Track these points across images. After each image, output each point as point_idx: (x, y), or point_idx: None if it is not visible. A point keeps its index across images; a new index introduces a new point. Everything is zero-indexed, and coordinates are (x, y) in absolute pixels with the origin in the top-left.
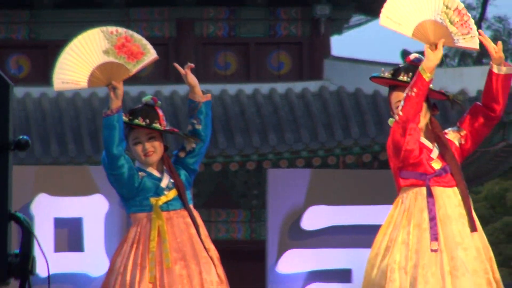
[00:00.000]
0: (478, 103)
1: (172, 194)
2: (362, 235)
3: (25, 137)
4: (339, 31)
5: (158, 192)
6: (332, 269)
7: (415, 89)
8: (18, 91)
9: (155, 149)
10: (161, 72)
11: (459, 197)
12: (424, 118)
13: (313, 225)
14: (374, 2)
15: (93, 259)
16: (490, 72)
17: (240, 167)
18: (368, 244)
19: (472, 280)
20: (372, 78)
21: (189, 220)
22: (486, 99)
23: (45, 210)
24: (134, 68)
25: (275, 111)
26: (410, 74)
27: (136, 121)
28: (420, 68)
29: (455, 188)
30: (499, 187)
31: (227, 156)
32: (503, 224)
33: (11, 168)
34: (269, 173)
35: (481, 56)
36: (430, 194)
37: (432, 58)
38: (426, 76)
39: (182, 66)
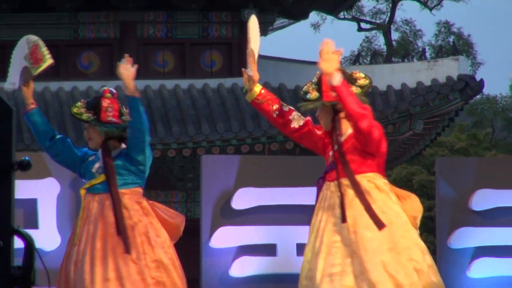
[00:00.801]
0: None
1: (100, 178)
2: (286, 214)
3: (27, 158)
4: (264, 33)
5: (91, 175)
6: (259, 244)
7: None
8: None
9: (90, 136)
10: (107, 69)
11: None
12: (323, 122)
13: (242, 205)
14: (295, 8)
15: (46, 236)
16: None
17: (177, 153)
18: (291, 221)
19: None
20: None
21: (109, 202)
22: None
23: None
24: (35, 72)
25: (208, 104)
26: (316, 87)
27: (74, 110)
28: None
29: (335, 182)
30: (406, 172)
31: (165, 144)
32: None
33: (15, 187)
34: (203, 159)
35: (390, 56)
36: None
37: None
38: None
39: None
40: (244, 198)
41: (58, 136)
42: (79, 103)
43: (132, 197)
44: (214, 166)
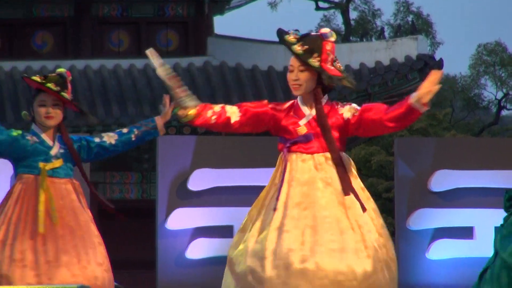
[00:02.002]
0: (386, 107)
1: (58, 163)
2: (243, 195)
3: None
4: (221, 12)
5: (47, 158)
6: (215, 225)
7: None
8: None
9: (56, 115)
10: (61, 48)
11: (319, 162)
12: (304, 87)
13: (199, 186)
14: None
15: None
16: (410, 107)
17: None
18: (248, 203)
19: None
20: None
21: (70, 187)
22: (390, 118)
23: None
24: None
25: (163, 84)
26: (306, 46)
27: (49, 84)
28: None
29: (315, 155)
30: (365, 152)
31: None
32: (368, 185)
33: None
34: (158, 140)
35: (348, 35)
36: (285, 158)
37: None
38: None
39: (81, 41)
40: (201, 179)
41: None
42: (37, 77)
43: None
44: (170, 146)
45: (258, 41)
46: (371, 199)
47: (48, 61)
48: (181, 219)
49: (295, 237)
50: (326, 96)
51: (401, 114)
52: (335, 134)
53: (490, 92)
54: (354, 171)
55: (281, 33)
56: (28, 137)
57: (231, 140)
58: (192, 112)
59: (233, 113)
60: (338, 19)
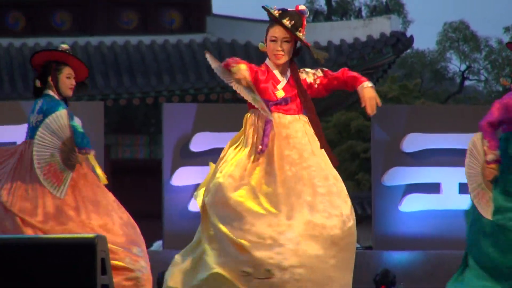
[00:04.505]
0: (345, 73)
1: None
2: None
3: None
4: None
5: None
6: None
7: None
8: None
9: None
10: (78, 26)
11: (294, 121)
12: (286, 56)
13: (200, 147)
14: None
15: None
16: (353, 88)
17: (141, 102)
18: None
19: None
20: (264, 8)
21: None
22: (341, 86)
23: None
24: None
25: (168, 58)
26: (293, 22)
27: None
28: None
29: (295, 116)
30: (345, 117)
31: (130, 94)
32: (348, 146)
33: None
34: (164, 107)
35: (330, 15)
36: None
37: None
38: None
39: (96, 20)
40: (201, 142)
41: None
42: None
43: None
44: (174, 113)
45: (251, 20)
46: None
47: (66, 38)
48: (184, 176)
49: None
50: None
51: (346, 85)
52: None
53: (455, 65)
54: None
55: (267, 10)
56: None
57: (228, 107)
58: (243, 66)
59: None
60: (321, 1)
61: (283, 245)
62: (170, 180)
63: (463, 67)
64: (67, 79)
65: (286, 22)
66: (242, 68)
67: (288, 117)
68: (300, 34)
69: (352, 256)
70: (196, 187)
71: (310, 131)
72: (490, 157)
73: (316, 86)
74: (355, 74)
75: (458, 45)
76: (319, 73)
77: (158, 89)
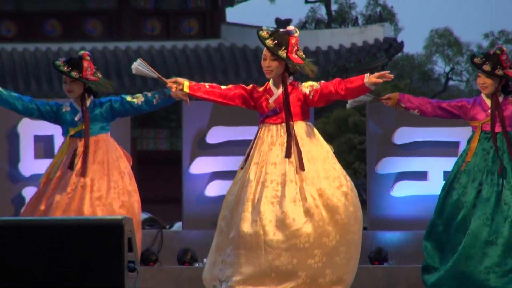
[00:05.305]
0: (340, 83)
1: (82, 126)
2: (246, 147)
3: None
4: (231, 4)
5: (74, 123)
6: (228, 170)
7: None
8: (8, 47)
9: (72, 89)
10: (107, 33)
11: (280, 132)
12: (275, 72)
13: (215, 140)
14: None
15: None
16: (363, 85)
17: None
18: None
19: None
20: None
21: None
22: (344, 88)
23: (27, 130)
24: None
25: (187, 61)
26: (275, 41)
27: (61, 68)
28: None
29: (279, 125)
30: (344, 113)
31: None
32: (346, 139)
33: None
34: (183, 103)
35: (330, 23)
36: (258, 130)
37: None
38: None
39: (123, 28)
40: (216, 135)
41: (33, 106)
42: (59, 62)
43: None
44: (192, 109)
45: (261, 27)
46: (332, 160)
47: (97, 43)
48: (201, 165)
49: (250, 189)
50: (291, 77)
51: (354, 88)
52: (297, 106)
53: (440, 67)
54: (317, 134)
55: (258, 30)
56: (63, 108)
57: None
58: (186, 83)
59: (225, 86)
60: (322, 10)
61: None
62: (188, 168)
63: (447, 69)
64: (63, 83)
65: (269, 42)
66: (185, 85)
67: (271, 126)
68: (281, 52)
69: None
70: (212, 174)
71: (301, 133)
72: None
73: (311, 97)
74: (347, 79)
75: (443, 50)
76: (317, 85)
77: None
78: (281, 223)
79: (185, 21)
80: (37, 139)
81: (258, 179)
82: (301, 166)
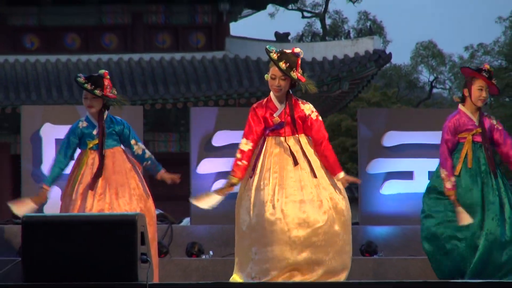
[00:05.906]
0: (326, 149)
1: (98, 140)
2: None
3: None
4: (235, 19)
5: (92, 136)
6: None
7: None
8: (32, 58)
9: (92, 105)
10: (122, 46)
11: (288, 141)
12: (283, 90)
13: (220, 143)
14: (257, 1)
15: None
16: (336, 175)
17: (172, 106)
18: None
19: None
20: (267, 51)
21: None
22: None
23: (49, 134)
24: None
25: (195, 71)
26: (288, 64)
27: (85, 85)
28: None
29: (287, 137)
30: (337, 119)
31: (164, 99)
32: (339, 142)
33: None
34: (191, 110)
35: (325, 36)
36: (264, 140)
37: None
38: None
39: (136, 41)
40: (221, 138)
41: (70, 156)
42: (81, 79)
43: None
44: (199, 115)
45: (262, 40)
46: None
47: (113, 55)
48: (207, 166)
49: (267, 192)
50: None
51: (327, 167)
52: (299, 121)
53: (425, 76)
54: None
55: (268, 52)
56: (82, 126)
57: (242, 110)
58: (234, 180)
59: (245, 144)
60: (318, 25)
61: None
62: (196, 169)
63: (432, 78)
64: (84, 99)
65: (282, 64)
66: (234, 183)
67: (281, 138)
68: (293, 74)
69: None
70: (217, 174)
71: (305, 145)
72: (449, 184)
73: (309, 124)
74: (331, 161)
75: (427, 60)
76: (314, 116)
77: (186, 96)
78: (304, 222)
79: (193, 35)
80: (58, 142)
81: (274, 183)
82: (313, 173)
